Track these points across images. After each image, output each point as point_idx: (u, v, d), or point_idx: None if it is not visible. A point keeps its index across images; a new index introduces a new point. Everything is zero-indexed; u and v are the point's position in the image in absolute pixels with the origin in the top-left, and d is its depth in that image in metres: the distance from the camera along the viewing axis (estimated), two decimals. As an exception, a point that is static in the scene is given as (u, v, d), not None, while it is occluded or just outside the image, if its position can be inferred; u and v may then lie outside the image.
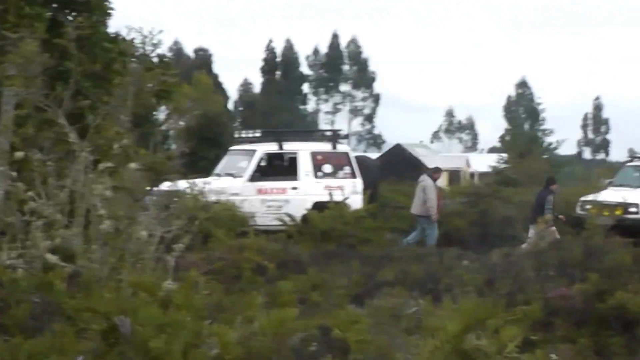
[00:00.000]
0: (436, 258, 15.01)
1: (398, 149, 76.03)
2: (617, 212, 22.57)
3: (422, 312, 6.74)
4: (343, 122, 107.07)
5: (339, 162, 23.56)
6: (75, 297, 5.92)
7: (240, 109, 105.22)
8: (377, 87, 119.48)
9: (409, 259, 15.45)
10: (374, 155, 77.74)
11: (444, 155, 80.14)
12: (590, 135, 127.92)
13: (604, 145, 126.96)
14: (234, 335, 4.79)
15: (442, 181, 62.04)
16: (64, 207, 8.84)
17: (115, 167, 9.45)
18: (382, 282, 12.57)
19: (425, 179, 22.15)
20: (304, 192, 22.98)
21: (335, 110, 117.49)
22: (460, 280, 12.39)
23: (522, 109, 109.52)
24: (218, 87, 79.96)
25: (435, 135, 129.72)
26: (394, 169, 56.03)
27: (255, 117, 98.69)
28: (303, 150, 23.36)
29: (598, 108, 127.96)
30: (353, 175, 23.52)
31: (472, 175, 71.58)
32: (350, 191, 22.74)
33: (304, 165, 23.16)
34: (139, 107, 10.72)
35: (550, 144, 77.46)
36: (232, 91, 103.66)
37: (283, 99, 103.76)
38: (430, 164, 72.17)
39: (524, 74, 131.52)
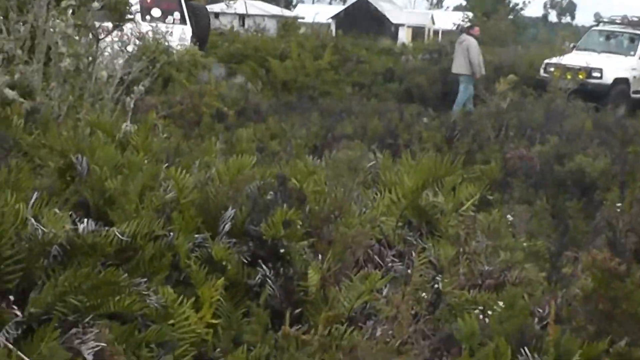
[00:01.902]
0: (396, 114, 15.03)
1: (363, 3, 75.31)
2: (580, 76, 22.68)
3: (380, 166, 6.74)
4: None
5: (169, 6, 22.42)
6: (32, 133, 5.88)
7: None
8: None
9: (369, 113, 15.48)
10: (336, 8, 77.10)
11: (408, 12, 79.50)
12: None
13: (570, 9, 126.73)
14: (190, 179, 4.78)
15: (406, 37, 61.83)
16: (24, 43, 8.70)
17: (77, 5, 9.27)
18: (341, 135, 12.60)
19: (467, 38, 21.85)
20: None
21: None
22: (419, 137, 12.44)
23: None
24: None
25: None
26: (358, 23, 55.61)
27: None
28: None
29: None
30: (183, 21, 22.23)
31: (435, 32, 71.22)
32: (179, 37, 21.54)
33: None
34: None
35: (516, 4, 77.19)
36: None
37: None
38: (394, 19, 71.87)
39: None
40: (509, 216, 6.14)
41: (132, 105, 8.69)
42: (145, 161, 5.17)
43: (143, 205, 4.51)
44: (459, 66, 21.64)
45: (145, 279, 3.90)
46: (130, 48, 10.33)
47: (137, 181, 4.63)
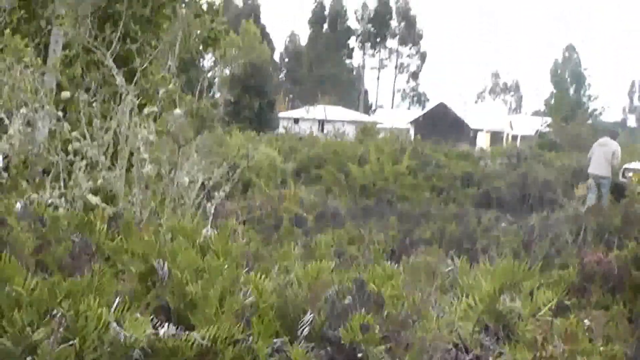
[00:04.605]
0: (474, 218, 15.03)
1: (441, 108, 75.76)
2: (659, 181, 22.48)
3: (457, 271, 6.76)
4: (389, 79, 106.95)
5: None
6: (114, 238, 6.00)
7: (286, 60, 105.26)
8: (424, 44, 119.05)
9: (447, 218, 15.49)
10: (415, 113, 77.66)
11: (487, 117, 79.74)
12: (637, 103, 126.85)
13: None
14: (269, 284, 4.85)
15: (485, 142, 61.86)
16: (107, 149, 8.92)
17: (160, 112, 9.51)
18: (419, 239, 12.62)
19: (611, 142, 22.22)
20: None
21: (381, 66, 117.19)
22: (497, 242, 12.41)
23: (568, 73, 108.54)
24: (265, 37, 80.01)
25: (480, 96, 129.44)
26: (436, 128, 55.90)
27: (301, 69, 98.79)
28: None
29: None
30: None
31: (514, 137, 71.18)
32: None
33: None
34: (186, 53, 10.76)
35: (594, 109, 76.83)
36: (279, 42, 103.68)
37: (329, 52, 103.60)
38: (473, 124, 72.03)
39: (571, 39, 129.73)
40: (586, 321, 6.08)
41: (212, 211, 8.83)
42: (226, 266, 5.24)
43: (223, 309, 4.58)
44: (601, 168, 21.95)
45: (226, 383, 3.94)
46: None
47: (217, 286, 4.71)
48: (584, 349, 5.06)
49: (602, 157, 22.06)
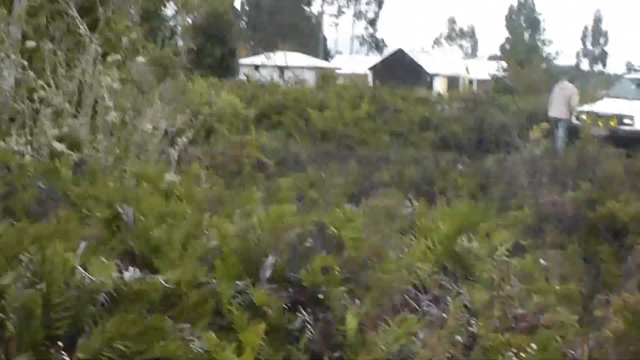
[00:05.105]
0: (432, 161, 15.14)
1: (399, 54, 75.61)
2: (612, 123, 22.70)
3: (416, 213, 6.85)
4: (346, 25, 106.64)
5: None
6: (80, 184, 6.03)
7: (247, 8, 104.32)
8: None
9: (405, 161, 15.58)
10: (373, 59, 77.51)
11: (443, 61, 79.67)
12: (589, 47, 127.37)
13: (602, 57, 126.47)
14: (232, 228, 4.91)
15: (442, 87, 61.92)
16: (72, 97, 8.90)
17: (123, 60, 9.49)
18: (379, 182, 12.71)
19: (570, 86, 22.47)
20: None
21: (339, 13, 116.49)
22: (454, 184, 12.53)
23: (523, 18, 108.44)
24: (225, -14, 79.08)
25: (437, 41, 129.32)
26: (394, 74, 55.82)
27: (261, 17, 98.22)
28: None
29: (598, 20, 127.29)
30: None
31: (470, 82, 71.27)
32: None
33: None
34: (148, 2, 10.70)
35: (549, 53, 77.04)
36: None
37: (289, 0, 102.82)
38: (430, 69, 72.00)
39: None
40: (542, 260, 6.20)
41: (175, 157, 8.87)
42: (189, 210, 5.30)
43: (187, 253, 4.64)
44: (561, 111, 22.18)
45: (189, 325, 4.01)
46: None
47: (181, 230, 4.77)
48: (540, 288, 5.17)
49: (561, 100, 22.30)
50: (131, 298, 4.09)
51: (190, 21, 13.31)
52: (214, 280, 4.39)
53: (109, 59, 9.18)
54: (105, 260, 4.20)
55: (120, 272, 4.21)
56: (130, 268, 4.26)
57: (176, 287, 4.23)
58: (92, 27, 9.55)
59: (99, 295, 4.02)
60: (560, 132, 21.90)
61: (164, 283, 4.18)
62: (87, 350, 3.75)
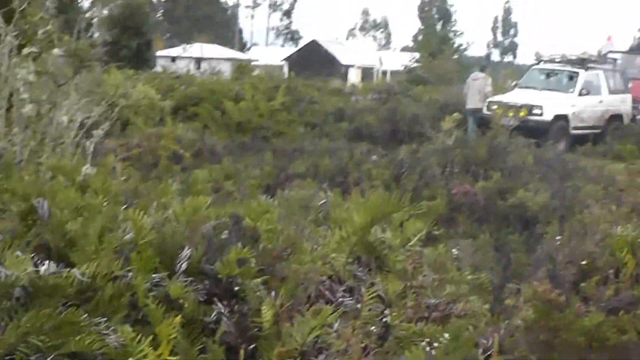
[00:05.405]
0: (346, 152, 15.23)
1: (314, 45, 75.85)
2: (522, 114, 23.10)
3: (330, 204, 6.91)
4: (262, 17, 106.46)
5: None
6: (-6, 178, 5.96)
7: (163, 0, 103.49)
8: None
9: (320, 152, 15.66)
10: (288, 50, 77.60)
11: (357, 53, 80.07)
12: (500, 38, 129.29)
13: (512, 48, 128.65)
14: (148, 220, 4.90)
15: (356, 77, 62.20)
16: (-13, 90, 8.80)
17: (39, 52, 9.38)
18: (294, 174, 12.77)
19: (482, 76, 22.71)
20: None
21: (254, 5, 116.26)
22: (368, 174, 12.64)
23: (435, 10, 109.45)
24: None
25: (351, 33, 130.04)
26: (309, 65, 55.99)
27: (177, 9, 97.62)
28: None
29: (508, 11, 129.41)
30: None
31: (384, 73, 71.73)
32: None
33: None
34: (65, -7, 10.57)
35: (460, 45, 77.96)
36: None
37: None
38: (344, 60, 72.30)
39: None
40: (454, 250, 6.30)
41: (91, 149, 8.80)
42: (105, 203, 5.28)
43: (102, 246, 4.63)
44: (476, 102, 22.55)
45: (105, 319, 3.99)
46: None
47: (96, 223, 4.75)
48: (453, 278, 5.26)
49: (475, 90, 22.70)
50: (47, 292, 4.06)
51: (106, 13, 13.15)
52: (129, 274, 4.39)
53: (25, 51, 9.07)
54: (20, 255, 4.17)
55: (36, 266, 4.18)
56: (46, 262, 4.23)
57: (92, 281, 4.22)
58: (7, 19, 9.42)
59: (14, 290, 3.99)
60: (471, 123, 22.31)
61: (79, 277, 4.16)
62: (2, 346, 3.72)
